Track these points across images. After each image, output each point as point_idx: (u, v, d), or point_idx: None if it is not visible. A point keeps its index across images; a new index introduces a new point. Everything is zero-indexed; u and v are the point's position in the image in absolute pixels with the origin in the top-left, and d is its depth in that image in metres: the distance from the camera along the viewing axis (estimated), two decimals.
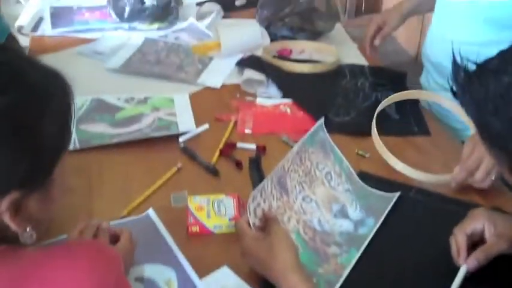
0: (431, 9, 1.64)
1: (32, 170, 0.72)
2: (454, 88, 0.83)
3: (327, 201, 1.16)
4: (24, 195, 0.73)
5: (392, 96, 1.42)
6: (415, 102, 1.59)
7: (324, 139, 1.21)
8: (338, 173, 1.21)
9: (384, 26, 1.75)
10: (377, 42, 1.75)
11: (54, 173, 0.76)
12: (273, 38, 1.91)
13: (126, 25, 2.02)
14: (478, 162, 1.19)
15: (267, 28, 1.94)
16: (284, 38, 1.91)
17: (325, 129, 1.22)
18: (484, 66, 0.79)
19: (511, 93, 0.74)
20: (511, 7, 1.35)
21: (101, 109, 1.53)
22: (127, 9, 2.00)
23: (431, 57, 1.60)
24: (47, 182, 0.76)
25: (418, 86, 1.76)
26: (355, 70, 1.71)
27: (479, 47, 1.43)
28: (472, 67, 0.79)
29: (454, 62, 0.82)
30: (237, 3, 2.27)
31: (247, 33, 1.90)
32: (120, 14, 2.02)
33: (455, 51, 0.85)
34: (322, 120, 1.21)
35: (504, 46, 1.38)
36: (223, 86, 1.69)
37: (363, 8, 4.10)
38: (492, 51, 1.40)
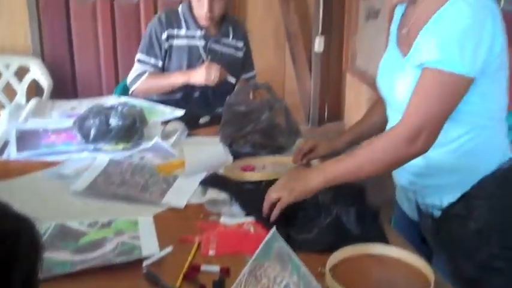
0: (379, 132, 1.72)
1: None
2: (423, 234, 0.86)
3: None
4: None
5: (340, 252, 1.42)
6: (376, 215, 1.62)
7: (281, 247, 1.22)
8: (296, 283, 1.21)
9: (315, 149, 1.90)
10: (304, 161, 1.91)
11: None
12: (236, 156, 1.97)
13: (91, 146, 2.05)
14: None
15: (230, 146, 2.00)
16: (247, 155, 1.97)
17: (279, 237, 1.23)
18: (449, 212, 0.82)
19: (479, 238, 0.77)
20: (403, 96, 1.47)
21: (64, 235, 1.52)
22: (92, 131, 2.04)
23: None
24: None
25: (382, 195, 1.80)
26: None
27: None
28: (437, 213, 0.82)
29: (419, 211, 0.85)
30: (201, 121, 2.35)
31: (211, 152, 1.95)
32: (85, 136, 2.06)
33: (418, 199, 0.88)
34: (273, 229, 1.22)
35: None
36: (188, 206, 1.71)
37: (325, 117, 4.24)
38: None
